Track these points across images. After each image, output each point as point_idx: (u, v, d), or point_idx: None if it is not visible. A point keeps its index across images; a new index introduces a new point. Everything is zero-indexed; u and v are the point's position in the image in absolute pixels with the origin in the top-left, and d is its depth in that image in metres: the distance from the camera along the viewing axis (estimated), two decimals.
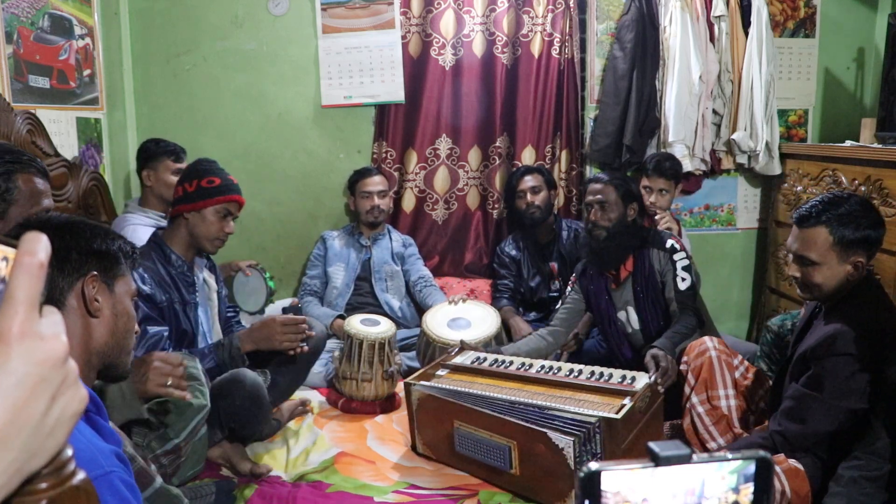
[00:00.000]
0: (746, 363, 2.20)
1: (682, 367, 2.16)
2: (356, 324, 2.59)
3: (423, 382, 2.18)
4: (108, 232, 1.24)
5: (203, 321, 2.28)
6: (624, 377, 2.08)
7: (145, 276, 2.10)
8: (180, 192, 2.26)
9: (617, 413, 1.83)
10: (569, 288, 2.75)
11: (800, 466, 1.71)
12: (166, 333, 2.10)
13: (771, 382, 2.13)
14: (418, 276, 3.29)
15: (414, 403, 2.19)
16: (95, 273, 1.17)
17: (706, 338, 2.17)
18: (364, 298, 3.19)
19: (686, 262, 2.47)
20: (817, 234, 1.77)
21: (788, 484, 1.65)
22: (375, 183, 3.23)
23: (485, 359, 2.33)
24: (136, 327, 1.29)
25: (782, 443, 1.78)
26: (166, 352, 1.91)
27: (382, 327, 2.59)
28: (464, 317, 2.78)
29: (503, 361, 2.29)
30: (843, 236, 1.74)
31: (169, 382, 1.65)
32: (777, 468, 1.65)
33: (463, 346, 2.43)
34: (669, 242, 2.50)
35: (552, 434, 1.84)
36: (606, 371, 2.14)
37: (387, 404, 2.58)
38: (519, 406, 1.98)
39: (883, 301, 1.85)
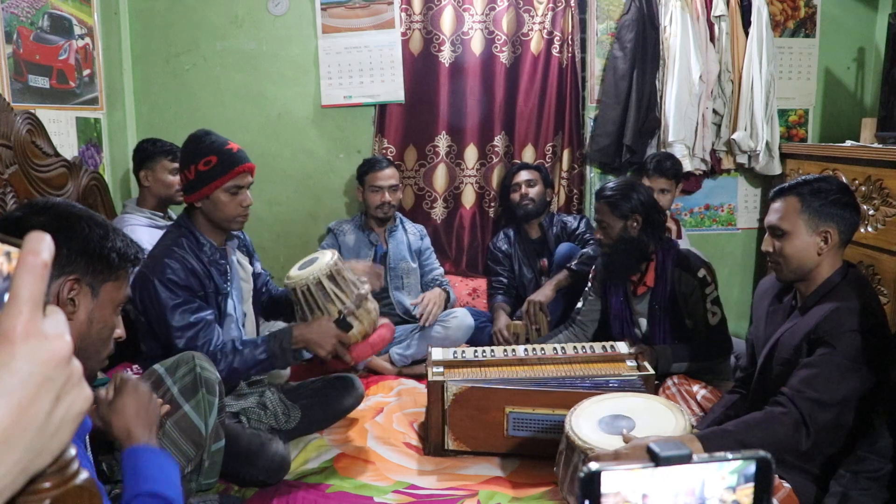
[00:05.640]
0: (709, 387, 2.25)
1: None
2: (295, 273, 2.17)
3: (462, 378, 2.23)
4: (107, 233, 1.16)
5: (234, 308, 2.16)
6: (604, 347, 2.39)
7: (176, 265, 1.98)
8: (183, 181, 2.12)
9: (646, 371, 2.21)
10: (588, 285, 2.76)
11: (787, 485, 1.69)
12: (210, 317, 2.01)
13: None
14: (431, 276, 3.19)
15: (448, 400, 2.19)
16: (77, 276, 1.12)
17: None
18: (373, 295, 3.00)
19: (715, 294, 2.49)
20: (788, 203, 1.78)
21: None
22: (386, 177, 3.08)
23: (482, 351, 2.41)
24: (121, 332, 1.23)
25: (799, 404, 1.63)
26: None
27: (324, 258, 2.18)
28: (626, 414, 1.86)
29: (509, 350, 2.42)
30: (811, 204, 1.75)
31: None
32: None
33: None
34: (702, 273, 2.47)
35: None
36: (587, 345, 2.42)
37: (384, 333, 2.23)
38: (568, 381, 2.19)
39: (869, 291, 1.80)
